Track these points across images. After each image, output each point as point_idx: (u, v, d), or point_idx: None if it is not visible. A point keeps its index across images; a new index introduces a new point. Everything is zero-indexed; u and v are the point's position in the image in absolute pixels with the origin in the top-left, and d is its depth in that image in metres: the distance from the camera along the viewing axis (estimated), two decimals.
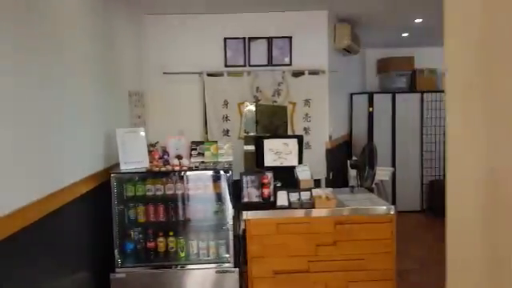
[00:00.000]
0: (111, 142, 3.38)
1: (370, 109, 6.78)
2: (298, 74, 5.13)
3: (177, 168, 3.32)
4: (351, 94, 7.13)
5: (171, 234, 3.38)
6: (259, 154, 3.59)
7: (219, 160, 3.39)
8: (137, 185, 3.36)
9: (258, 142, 3.60)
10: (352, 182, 6.00)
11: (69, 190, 2.62)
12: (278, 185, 3.42)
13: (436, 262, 4.60)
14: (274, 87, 5.11)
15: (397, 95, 6.91)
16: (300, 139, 3.64)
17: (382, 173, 5.96)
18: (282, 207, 3.28)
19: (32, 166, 2.24)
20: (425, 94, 6.95)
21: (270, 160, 3.55)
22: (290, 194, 3.32)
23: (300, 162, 3.62)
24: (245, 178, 3.36)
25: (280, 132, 4.91)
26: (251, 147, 6.91)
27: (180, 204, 3.39)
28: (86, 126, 3.00)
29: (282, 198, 3.28)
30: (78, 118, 2.86)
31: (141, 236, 3.39)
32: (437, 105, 6.90)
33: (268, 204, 3.33)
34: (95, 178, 3.09)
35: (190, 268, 3.30)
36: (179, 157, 3.44)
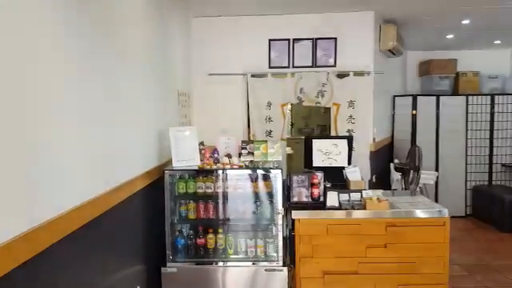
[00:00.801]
0: (163, 140, 3.45)
1: (414, 111, 6.65)
2: (342, 75, 5.11)
3: (227, 166, 3.36)
4: (394, 97, 7.02)
5: (220, 231, 3.42)
6: (308, 154, 3.58)
7: (268, 159, 3.40)
8: (188, 182, 3.42)
9: (307, 142, 3.59)
10: (395, 185, 5.91)
11: (125, 187, 2.69)
12: (328, 185, 3.40)
13: (483, 269, 4.47)
14: (317, 88, 5.10)
15: (441, 98, 6.75)
16: (350, 140, 3.62)
17: (427, 176, 5.85)
18: (332, 208, 3.27)
19: (95, 164, 2.28)
20: (469, 98, 6.76)
21: (318, 160, 3.54)
22: (340, 194, 3.30)
23: (349, 162, 3.59)
24: (294, 178, 3.36)
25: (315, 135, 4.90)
26: (289, 150, 6.93)
27: (229, 202, 3.43)
28: (140, 124, 3.07)
29: (333, 198, 3.26)
30: (133, 117, 2.93)
31: (191, 232, 3.45)
32: (481, 108, 6.71)
33: (318, 204, 3.32)
34: (149, 176, 3.16)
35: (238, 265, 3.33)
36: (229, 155, 3.49)
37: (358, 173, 3.51)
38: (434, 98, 6.76)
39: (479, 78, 7.47)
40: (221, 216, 3.43)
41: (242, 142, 3.45)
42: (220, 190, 3.41)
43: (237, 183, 3.41)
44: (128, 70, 2.83)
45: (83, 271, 2.13)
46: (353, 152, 3.83)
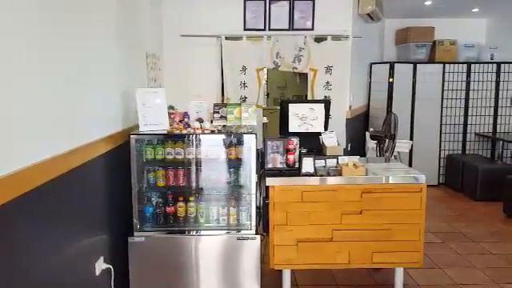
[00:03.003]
0: (130, 104, 3.23)
1: (391, 79, 6.56)
2: (320, 39, 4.93)
3: (198, 131, 3.18)
4: (371, 64, 6.89)
5: (191, 199, 3.27)
6: (283, 118, 3.43)
7: (242, 124, 3.23)
8: (156, 148, 3.24)
9: (283, 107, 3.44)
10: (370, 153, 5.86)
11: (86, 149, 2.49)
12: (304, 151, 3.27)
13: (456, 237, 4.50)
14: (294, 53, 4.91)
15: (418, 66, 6.66)
16: (327, 104, 3.48)
17: (402, 145, 5.80)
18: (308, 174, 3.15)
19: (54, 119, 2.11)
20: (446, 66, 6.70)
21: (294, 125, 3.40)
22: (316, 161, 3.18)
23: (326, 128, 3.47)
24: (269, 144, 3.21)
25: None
26: (265, 119, 6.77)
27: (200, 168, 3.27)
28: (103, 86, 2.84)
29: (308, 164, 3.14)
30: (96, 78, 2.70)
31: (160, 200, 3.28)
32: (457, 76, 6.67)
33: (293, 171, 3.20)
34: (113, 140, 2.95)
35: (209, 234, 3.20)
36: (200, 120, 3.30)
37: (334, 138, 3.39)
38: (411, 65, 6.66)
39: (456, 47, 7.43)
40: (192, 183, 3.27)
41: (215, 105, 3.26)
42: (191, 157, 3.23)
43: (209, 149, 3.24)
44: (91, 28, 2.59)
45: (38, 239, 1.96)
46: (329, 119, 3.71)
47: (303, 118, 3.40)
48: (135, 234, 3.13)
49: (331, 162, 3.26)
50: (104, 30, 2.87)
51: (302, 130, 3.40)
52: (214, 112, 3.27)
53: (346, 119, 5.11)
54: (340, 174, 3.17)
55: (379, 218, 3.21)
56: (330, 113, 4.83)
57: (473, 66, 6.66)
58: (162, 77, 4.59)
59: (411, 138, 6.59)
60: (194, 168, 3.26)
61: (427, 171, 5.63)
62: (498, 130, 6.71)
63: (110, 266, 2.82)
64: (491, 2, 6.37)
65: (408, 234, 3.24)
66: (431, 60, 7.18)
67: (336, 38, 4.94)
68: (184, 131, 3.20)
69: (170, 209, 3.25)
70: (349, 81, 5.11)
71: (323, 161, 3.23)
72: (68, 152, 2.25)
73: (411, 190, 3.22)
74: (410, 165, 6.68)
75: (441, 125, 6.73)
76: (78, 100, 2.43)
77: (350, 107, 5.29)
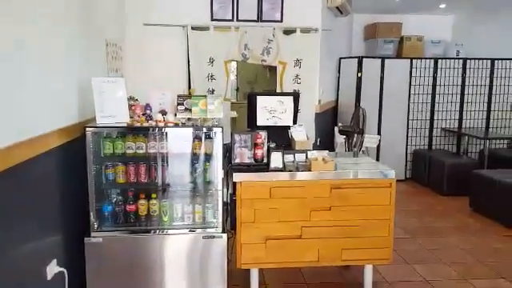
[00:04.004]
0: (86, 95, 3.01)
1: (359, 74, 6.53)
2: (289, 31, 4.81)
3: (161, 124, 2.99)
4: (340, 59, 6.85)
5: (154, 196, 3.09)
6: (251, 112, 3.29)
7: (208, 117, 3.07)
8: (116, 142, 3.04)
9: (251, 100, 3.30)
10: (339, 148, 5.80)
11: (35, 141, 2.28)
12: (272, 145, 3.14)
13: (424, 232, 4.50)
14: (263, 45, 4.78)
15: (386, 61, 6.66)
16: (296, 97, 3.36)
17: (370, 140, 5.77)
18: (276, 169, 3.03)
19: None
20: (413, 61, 6.72)
21: (262, 119, 3.26)
22: (285, 155, 3.06)
23: (295, 121, 3.35)
24: (237, 138, 3.07)
25: None
26: (233, 113, 6.62)
27: (164, 164, 3.10)
28: (55, 72, 2.62)
29: (277, 159, 3.02)
30: (46, 63, 2.48)
31: (120, 198, 3.08)
32: (424, 72, 6.70)
33: (261, 166, 3.06)
34: (67, 133, 2.74)
35: (173, 233, 3.03)
36: (163, 112, 3.12)
37: (303, 132, 3.28)
38: (379, 60, 6.65)
39: (423, 43, 7.49)
40: (154, 180, 3.09)
41: (179, 97, 3.08)
42: (153, 151, 3.05)
43: (172, 143, 3.07)
44: (40, 12, 2.36)
45: None
46: (298, 113, 3.60)
47: (272, 111, 3.27)
48: (92, 234, 2.92)
49: (300, 157, 3.15)
50: (57, 13, 2.65)
51: (271, 123, 3.27)
52: (178, 104, 3.09)
53: (316, 114, 5.02)
54: (309, 169, 3.06)
55: (348, 214, 3.13)
56: (299, 107, 4.77)
57: (439, 61, 6.71)
58: (124, 67, 4.36)
59: (379, 133, 6.59)
60: (156, 163, 3.08)
61: (394, 166, 5.61)
62: (463, 126, 6.79)
63: (64, 270, 2.61)
64: None
65: (377, 230, 3.18)
66: (398, 56, 7.22)
67: (305, 30, 4.84)
68: (146, 124, 3.02)
69: (130, 207, 3.06)
70: (318, 75, 5.02)
71: (292, 155, 3.12)
72: (12, 145, 2.03)
73: (381, 186, 3.15)
74: (377, 160, 6.69)
75: (408, 120, 6.76)
76: (25, 89, 2.21)
77: (319, 101, 5.20)
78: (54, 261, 2.55)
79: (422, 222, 4.86)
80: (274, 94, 4.11)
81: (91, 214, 2.92)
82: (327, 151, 3.34)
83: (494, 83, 6.72)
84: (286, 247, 3.09)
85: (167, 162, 3.10)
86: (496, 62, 6.66)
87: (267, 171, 3.02)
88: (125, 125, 2.99)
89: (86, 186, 2.88)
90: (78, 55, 3.04)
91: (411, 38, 7.49)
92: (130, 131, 3.03)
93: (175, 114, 3.13)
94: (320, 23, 4.92)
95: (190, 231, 3.04)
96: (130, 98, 3.20)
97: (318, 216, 3.09)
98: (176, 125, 3.02)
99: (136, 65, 4.46)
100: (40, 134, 2.35)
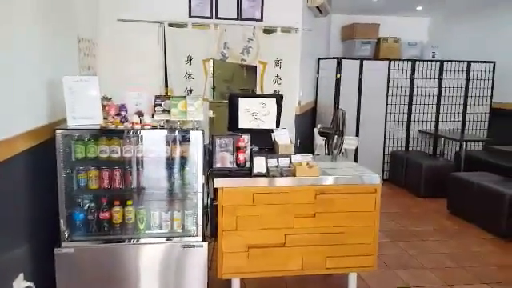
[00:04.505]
0: (56, 93, 2.81)
1: (338, 75, 6.47)
2: (269, 30, 4.69)
3: (137, 126, 2.82)
4: (318, 59, 6.77)
5: (129, 203, 2.91)
6: (233, 114, 3.15)
7: (188, 119, 2.91)
8: (88, 145, 2.84)
9: (232, 101, 3.16)
10: (318, 150, 5.73)
11: (1, 146, 2.08)
12: (255, 149, 3.02)
13: (404, 235, 4.46)
14: (243, 44, 4.64)
15: (364, 62, 6.62)
16: (279, 99, 3.24)
17: (349, 142, 5.73)
18: (260, 175, 2.90)
19: None
20: (392, 63, 6.71)
21: (245, 121, 3.13)
22: (268, 160, 2.94)
23: (278, 124, 3.24)
24: (218, 141, 2.92)
25: None
26: (211, 113, 6.46)
27: (140, 168, 2.92)
28: (22, 70, 2.41)
29: (260, 164, 2.89)
30: (10, 59, 2.27)
31: (93, 205, 2.89)
32: (402, 74, 6.70)
33: (243, 171, 2.93)
34: (35, 136, 2.53)
35: (150, 242, 2.86)
36: (140, 113, 2.94)
37: (287, 136, 3.17)
38: (358, 62, 6.61)
39: (399, 45, 7.52)
40: (130, 185, 2.91)
41: (156, 97, 2.91)
42: (129, 155, 2.87)
43: (149, 146, 2.90)
44: (6, 8, 2.16)
45: None
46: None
47: (254, 113, 3.14)
48: (63, 244, 2.72)
49: (284, 162, 3.03)
50: (23, 7, 2.44)
51: (253, 126, 3.14)
52: (156, 105, 2.92)
53: (296, 115, 4.92)
54: (293, 175, 2.95)
55: (333, 220, 3.03)
56: None
57: (417, 63, 6.72)
58: (98, 65, 4.14)
59: (357, 135, 6.56)
60: (132, 168, 2.91)
61: (372, 167, 5.61)
62: (439, 128, 6.84)
63: (32, 284, 2.40)
64: (435, 0, 6.46)
65: (362, 237, 3.10)
66: (375, 57, 7.21)
67: (286, 30, 4.74)
68: (121, 126, 2.83)
69: (104, 214, 2.87)
70: (298, 75, 4.92)
71: (275, 160, 3.00)
72: None
73: (366, 191, 3.07)
74: (356, 161, 6.65)
75: (385, 121, 6.75)
76: None
77: (299, 103, 5.11)
78: (21, 275, 2.34)
79: (401, 224, 4.83)
80: (257, 95, 3.99)
81: (61, 222, 2.72)
82: (311, 155, 3.24)
83: (470, 86, 6.78)
84: (268, 256, 2.97)
85: (144, 167, 2.93)
86: (472, 64, 6.72)
87: (250, 176, 2.89)
88: (98, 127, 2.80)
89: (55, 193, 2.68)
90: (47, 51, 2.82)
91: (388, 40, 7.51)
92: (104, 134, 2.84)
93: (152, 116, 2.96)
94: (301, 23, 4.82)
95: (168, 240, 2.88)
96: (104, 98, 3.01)
97: (301, 223, 2.99)
98: (153, 127, 2.85)
99: (110, 63, 4.24)
100: (5, 138, 2.15)
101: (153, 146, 2.91)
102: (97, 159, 2.86)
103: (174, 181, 2.97)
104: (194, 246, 2.86)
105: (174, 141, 2.91)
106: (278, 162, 3.00)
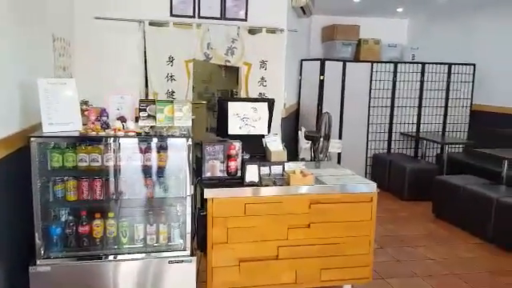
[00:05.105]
0: (30, 97, 2.57)
1: (321, 77, 6.36)
2: (254, 30, 4.53)
3: (120, 133, 2.61)
4: (301, 61, 6.65)
5: (111, 215, 2.70)
6: (222, 119, 2.98)
7: (175, 125, 2.72)
8: (66, 153, 2.62)
9: (221, 105, 2.98)
10: (303, 153, 5.60)
11: None
12: (246, 157, 2.85)
13: (392, 241, 4.38)
14: (227, 44, 4.46)
15: (347, 64, 6.54)
16: (271, 104, 3.08)
17: (334, 145, 5.59)
18: (252, 184, 2.74)
19: None
20: (374, 65, 6.65)
21: (235, 127, 2.96)
22: (261, 168, 2.78)
23: (269, 130, 3.08)
24: (207, 149, 2.74)
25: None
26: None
27: (123, 178, 2.71)
28: None
29: (252, 172, 2.73)
30: None
31: (71, 218, 2.67)
32: (384, 76, 6.65)
33: (234, 180, 2.76)
34: (8, 143, 2.30)
35: (134, 258, 2.66)
36: (122, 119, 2.74)
37: (279, 142, 3.03)
38: (341, 63, 6.52)
39: (380, 46, 7.49)
40: (112, 196, 2.70)
41: (141, 101, 2.71)
42: (110, 164, 2.66)
43: (133, 155, 2.69)
44: None
45: None
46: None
47: (245, 118, 2.98)
48: (38, 261, 2.49)
49: (276, 170, 2.88)
50: None
51: (244, 132, 2.97)
52: (140, 110, 2.72)
53: (282, 118, 4.78)
54: (287, 184, 2.80)
55: (328, 231, 2.91)
56: None
57: (399, 65, 6.69)
58: (74, 65, 3.89)
59: (340, 137, 6.46)
60: (114, 178, 2.69)
61: (355, 170, 5.57)
62: (421, 130, 6.83)
63: None
64: (416, 2, 6.44)
65: (357, 248, 2.99)
66: (356, 58, 7.15)
67: (271, 30, 4.58)
68: (102, 133, 2.62)
69: (83, 228, 2.65)
70: (283, 77, 4.77)
71: (268, 168, 2.85)
72: None
73: (362, 200, 2.96)
74: (339, 163, 6.57)
75: (368, 124, 6.69)
76: None
77: (284, 105, 4.97)
78: None
79: (387, 229, 4.75)
80: (247, 99, 3.82)
81: (37, 237, 2.49)
82: (304, 162, 3.10)
83: (451, 88, 6.80)
84: (261, 269, 2.82)
85: (127, 177, 2.72)
86: (453, 66, 6.74)
87: (242, 186, 2.72)
88: (77, 133, 2.58)
89: (30, 205, 2.44)
90: (19, 51, 2.57)
91: (369, 41, 7.46)
92: (83, 141, 2.62)
93: (136, 121, 2.75)
94: (285, 23, 4.68)
95: (153, 255, 2.68)
96: (83, 103, 2.78)
97: (295, 234, 2.85)
98: (138, 134, 2.65)
99: (87, 63, 3.99)
100: None
101: (137, 154, 2.71)
102: (75, 168, 2.63)
103: (159, 191, 2.77)
104: (182, 260, 2.67)
105: (160, 148, 2.72)
106: (270, 169, 2.85)
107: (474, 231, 4.60)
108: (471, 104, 6.84)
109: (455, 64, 6.73)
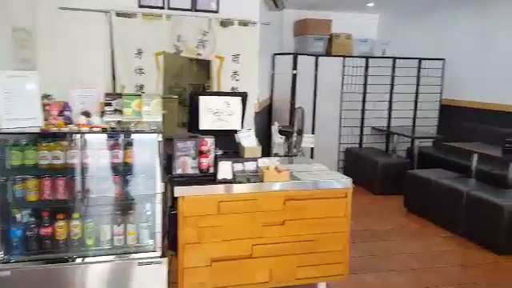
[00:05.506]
0: None
1: (294, 71, 6.30)
2: (226, 23, 4.41)
3: (84, 129, 2.46)
4: (274, 55, 6.58)
5: (75, 216, 2.56)
6: (193, 113, 2.87)
7: (143, 120, 2.59)
8: (26, 150, 2.46)
9: (193, 100, 2.87)
10: (276, 148, 5.54)
11: None
12: (219, 153, 2.75)
13: (365, 236, 4.38)
14: (198, 37, 4.33)
15: (319, 58, 6.51)
16: (244, 98, 2.99)
17: (307, 140, 5.56)
18: (225, 181, 2.64)
19: None
20: (346, 59, 6.65)
21: (207, 122, 2.86)
22: (234, 164, 2.69)
23: (242, 125, 2.99)
24: (178, 145, 2.63)
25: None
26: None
27: (88, 177, 2.57)
28: None
29: (225, 169, 2.64)
30: None
31: (32, 220, 2.51)
32: (356, 71, 6.65)
33: (207, 177, 2.66)
34: None
35: (101, 260, 2.53)
36: (87, 114, 2.59)
37: (253, 137, 2.94)
38: (313, 58, 6.49)
39: (351, 41, 7.51)
40: (76, 196, 2.56)
41: (107, 95, 2.57)
42: (74, 162, 2.52)
43: (99, 151, 2.55)
44: None
45: None
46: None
47: (217, 113, 2.87)
48: None
49: (250, 166, 2.79)
50: None
51: (216, 127, 2.87)
52: (106, 104, 2.58)
53: (255, 113, 4.69)
54: (261, 180, 2.72)
55: (303, 228, 2.85)
56: None
57: (370, 60, 6.71)
58: (36, 58, 3.68)
59: (313, 132, 6.44)
60: (78, 176, 2.55)
61: (327, 165, 5.56)
62: (392, 124, 6.88)
63: None
64: None
65: (333, 244, 2.94)
66: (328, 53, 7.14)
67: (243, 23, 4.48)
68: (65, 128, 2.48)
69: (46, 230, 2.51)
70: (257, 71, 4.68)
71: (241, 164, 2.75)
72: None
73: (337, 196, 2.92)
74: (312, 158, 6.55)
75: (340, 118, 6.69)
76: None
77: (257, 100, 4.88)
78: None
79: (360, 224, 4.74)
80: (220, 93, 3.71)
81: None
82: (278, 158, 3.03)
83: (421, 82, 6.87)
84: (234, 269, 2.73)
85: (92, 175, 2.58)
86: (423, 61, 6.81)
87: (215, 183, 2.63)
88: (38, 130, 2.42)
89: None
90: None
91: (340, 36, 7.47)
92: (45, 137, 2.46)
93: (102, 116, 2.61)
94: (258, 16, 4.59)
95: (121, 257, 2.56)
96: (45, 97, 2.62)
97: (270, 232, 2.77)
98: (104, 130, 2.51)
99: (50, 56, 3.79)
100: None
101: (103, 150, 2.57)
102: (36, 167, 2.48)
103: (127, 190, 2.64)
104: (152, 262, 2.55)
105: (128, 145, 2.58)
106: (243, 166, 2.76)
107: (445, 225, 4.65)
108: (441, 98, 6.94)
109: (425, 59, 6.81)
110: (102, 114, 2.59)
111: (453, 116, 6.68)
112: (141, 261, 2.54)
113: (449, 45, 6.74)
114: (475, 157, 4.96)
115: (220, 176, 2.63)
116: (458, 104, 6.60)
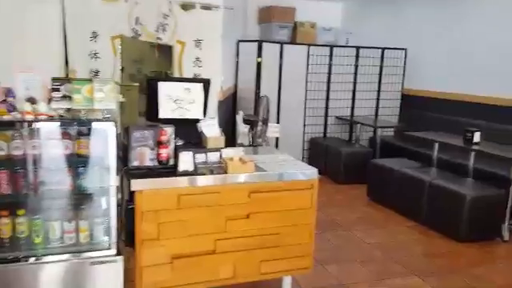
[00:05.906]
0: None
1: (259, 59, 6.16)
2: (187, 6, 4.20)
3: (29, 117, 2.24)
4: (238, 42, 6.40)
5: (21, 212, 2.34)
6: (152, 101, 2.68)
7: (95, 107, 2.39)
8: None
9: (151, 86, 2.68)
10: (241, 138, 5.41)
11: None
12: (179, 144, 2.59)
13: (329, 226, 4.35)
14: (158, 20, 4.09)
15: (284, 47, 6.40)
16: (206, 84, 2.83)
17: (273, 129, 5.46)
18: (186, 173, 2.49)
19: None
20: (311, 48, 6.57)
21: (167, 110, 2.67)
22: (196, 155, 2.53)
23: (205, 114, 2.83)
24: (134, 134, 2.44)
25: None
26: (121, 98, 5.81)
27: (35, 169, 2.35)
28: None
29: (186, 161, 2.48)
30: None
31: None
32: (320, 59, 6.59)
33: (166, 169, 2.49)
34: None
35: (50, 260, 2.33)
36: (32, 100, 2.36)
37: (216, 127, 2.79)
38: (278, 46, 6.36)
39: (315, 30, 7.45)
40: (21, 190, 2.33)
41: (54, 80, 2.34)
42: (19, 153, 2.29)
43: (46, 142, 2.34)
44: None
45: None
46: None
47: (178, 100, 2.70)
48: None
49: (213, 157, 2.64)
50: None
51: (176, 115, 2.70)
52: (54, 90, 2.36)
53: (218, 101, 4.53)
54: (225, 172, 2.58)
55: (268, 221, 2.74)
56: None
57: (334, 49, 6.66)
58: None
59: (278, 122, 6.34)
60: (24, 169, 2.33)
61: (292, 154, 5.51)
62: (355, 114, 6.88)
63: None
64: None
65: (298, 237, 2.86)
66: (292, 41, 7.05)
67: (206, 7, 4.27)
68: (8, 116, 2.25)
69: None
70: (220, 58, 4.51)
71: (204, 155, 2.60)
72: None
73: (303, 187, 2.82)
74: (277, 147, 6.46)
75: (305, 108, 6.63)
76: None
77: (221, 88, 4.72)
78: None
79: (325, 213, 4.71)
80: (180, 79, 3.52)
81: None
82: (242, 148, 2.90)
83: (384, 72, 6.89)
84: (196, 265, 2.59)
85: (39, 167, 2.36)
86: (385, 51, 6.82)
87: (175, 176, 2.47)
88: None
89: None
90: None
91: (305, 24, 7.40)
92: None
93: (49, 103, 2.39)
94: (221, 0, 4.40)
95: (73, 256, 2.36)
96: None
97: (234, 226, 2.65)
98: (51, 118, 2.29)
99: None
100: None
101: (51, 140, 2.35)
102: None
103: (79, 183, 2.44)
104: (107, 261, 2.38)
105: (80, 134, 2.38)
106: (206, 157, 2.60)
107: (407, 214, 4.68)
108: (402, 88, 7.00)
109: (387, 48, 6.83)
110: (49, 100, 2.37)
111: (414, 105, 6.75)
112: (94, 260, 2.36)
113: (410, 34, 6.79)
114: (436, 146, 5.01)
115: (181, 168, 2.47)
116: (420, 93, 6.68)
